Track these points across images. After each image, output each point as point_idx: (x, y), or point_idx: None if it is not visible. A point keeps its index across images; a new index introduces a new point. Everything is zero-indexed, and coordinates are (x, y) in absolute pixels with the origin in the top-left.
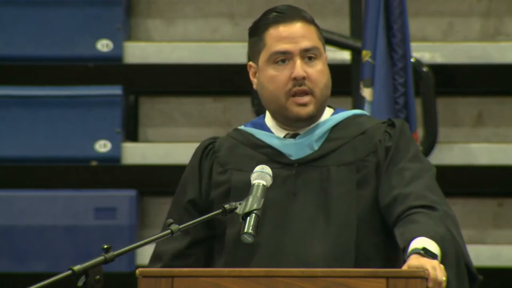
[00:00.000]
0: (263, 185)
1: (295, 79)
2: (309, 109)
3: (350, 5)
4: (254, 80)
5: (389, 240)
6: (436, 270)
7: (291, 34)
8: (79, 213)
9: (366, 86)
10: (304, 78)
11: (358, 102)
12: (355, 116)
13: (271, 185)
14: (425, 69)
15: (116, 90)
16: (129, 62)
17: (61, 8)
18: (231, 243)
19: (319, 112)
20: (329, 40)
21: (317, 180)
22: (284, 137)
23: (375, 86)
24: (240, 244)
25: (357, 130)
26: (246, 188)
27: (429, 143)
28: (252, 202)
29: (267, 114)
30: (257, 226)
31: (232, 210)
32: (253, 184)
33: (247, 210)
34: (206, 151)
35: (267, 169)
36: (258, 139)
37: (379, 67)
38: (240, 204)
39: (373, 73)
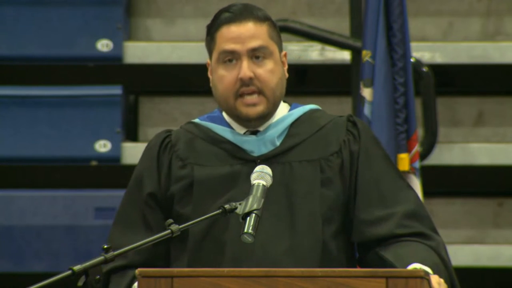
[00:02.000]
0: (263, 185)
1: (241, 79)
2: (259, 109)
3: (350, 5)
4: (210, 78)
5: (349, 242)
6: (441, 285)
7: (240, 35)
8: (79, 213)
9: (366, 86)
10: (251, 78)
11: (358, 102)
12: (312, 111)
13: (231, 183)
14: (425, 69)
15: (116, 90)
16: (129, 62)
17: (61, 8)
18: (196, 241)
19: (271, 111)
20: (329, 40)
21: (280, 177)
22: (244, 133)
23: (375, 86)
24: (205, 242)
25: (316, 125)
26: (209, 183)
27: (429, 143)
28: (252, 202)
29: None
30: (257, 226)
31: (232, 210)
32: (253, 184)
33: (247, 210)
34: (163, 145)
35: (267, 169)
36: (217, 134)
37: (379, 67)
38: (240, 204)
39: (373, 73)
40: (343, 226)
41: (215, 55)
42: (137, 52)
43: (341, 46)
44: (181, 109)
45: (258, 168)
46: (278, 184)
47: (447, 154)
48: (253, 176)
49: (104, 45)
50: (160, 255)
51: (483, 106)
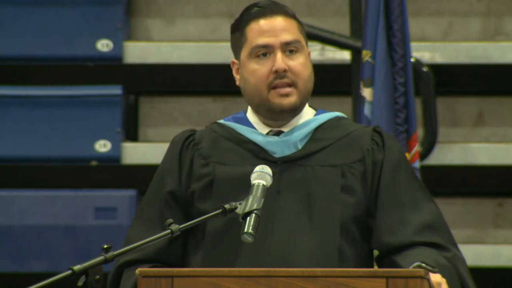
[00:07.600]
0: (263, 185)
1: (276, 72)
2: (292, 99)
3: (350, 5)
4: (237, 77)
5: (369, 252)
6: (441, 286)
7: (272, 28)
8: (79, 213)
9: (366, 86)
10: (285, 70)
11: (358, 102)
12: (338, 118)
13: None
14: (425, 69)
15: (116, 90)
16: (129, 62)
17: (61, 8)
18: (211, 239)
19: (302, 104)
20: (329, 40)
21: (300, 179)
22: (267, 134)
23: (375, 86)
24: (221, 241)
25: (341, 132)
26: (229, 182)
27: (429, 143)
28: (252, 202)
29: (249, 109)
30: (257, 226)
31: (232, 210)
32: (253, 184)
33: (247, 210)
34: (186, 143)
35: (267, 169)
36: (240, 134)
37: (379, 67)
38: (240, 204)
39: (373, 73)
40: (362, 233)
41: (246, 50)
42: (137, 52)
43: (341, 46)
44: (181, 109)
45: (258, 168)
46: (298, 187)
47: (447, 154)
48: (253, 176)
49: (104, 45)
50: (174, 252)
51: (483, 106)
